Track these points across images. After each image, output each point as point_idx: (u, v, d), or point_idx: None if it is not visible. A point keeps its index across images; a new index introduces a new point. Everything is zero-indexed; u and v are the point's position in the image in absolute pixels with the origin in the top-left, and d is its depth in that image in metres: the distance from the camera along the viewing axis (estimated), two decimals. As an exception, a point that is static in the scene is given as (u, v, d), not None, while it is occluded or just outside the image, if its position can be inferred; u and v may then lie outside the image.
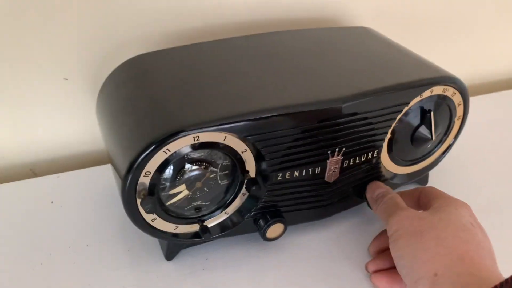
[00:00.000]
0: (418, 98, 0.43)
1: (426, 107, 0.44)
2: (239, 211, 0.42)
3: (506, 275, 0.30)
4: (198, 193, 0.39)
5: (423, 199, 0.41)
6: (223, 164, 0.39)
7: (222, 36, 0.50)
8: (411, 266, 0.35)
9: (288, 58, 0.45)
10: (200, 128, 0.35)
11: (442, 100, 0.45)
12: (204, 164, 0.38)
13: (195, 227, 0.41)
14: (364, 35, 0.52)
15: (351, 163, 0.43)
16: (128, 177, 0.35)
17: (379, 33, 0.53)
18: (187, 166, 0.37)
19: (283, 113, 0.37)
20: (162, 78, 0.42)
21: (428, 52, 0.51)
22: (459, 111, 0.47)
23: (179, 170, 0.37)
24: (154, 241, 0.45)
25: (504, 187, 0.53)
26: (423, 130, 0.45)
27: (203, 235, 0.40)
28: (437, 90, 0.44)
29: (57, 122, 0.55)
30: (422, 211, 0.39)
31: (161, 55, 0.45)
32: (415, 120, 0.45)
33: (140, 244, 0.44)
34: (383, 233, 0.43)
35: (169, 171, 0.37)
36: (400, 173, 0.49)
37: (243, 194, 0.41)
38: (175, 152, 0.36)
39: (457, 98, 0.46)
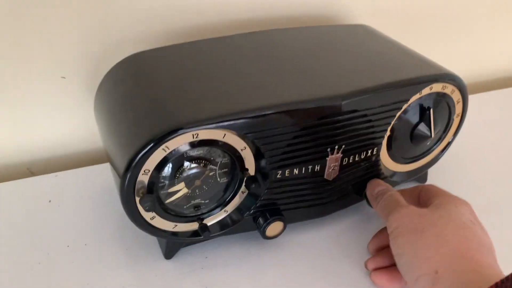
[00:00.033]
0: (417, 96, 0.43)
1: (425, 105, 0.44)
2: (238, 209, 0.41)
3: (506, 273, 0.30)
4: (197, 191, 0.39)
5: (423, 196, 0.41)
6: (222, 162, 0.39)
7: (221, 33, 0.49)
8: (412, 264, 0.35)
9: (287, 55, 0.45)
10: (199, 126, 0.35)
11: (441, 97, 0.45)
12: (203, 162, 0.38)
13: (194, 226, 0.40)
14: (363, 32, 0.52)
15: (350, 161, 0.43)
16: (127, 175, 0.34)
17: (378, 31, 0.53)
18: (186, 164, 0.37)
19: (282, 111, 0.37)
20: (161, 75, 0.42)
21: (427, 50, 0.51)
22: (458, 108, 0.47)
23: (178, 168, 0.37)
24: (152, 240, 0.44)
25: (503, 185, 0.53)
26: (422, 127, 0.45)
27: (202, 234, 0.40)
28: (436, 87, 0.44)
29: (54, 121, 0.54)
30: (422, 208, 0.39)
31: (160, 53, 0.45)
32: (414, 117, 0.45)
33: (138, 243, 0.44)
34: (383, 230, 0.43)
35: (168, 169, 0.37)
36: (400, 170, 0.49)
37: (243, 192, 0.41)
38: (174, 149, 0.35)
39: (456, 96, 0.46)
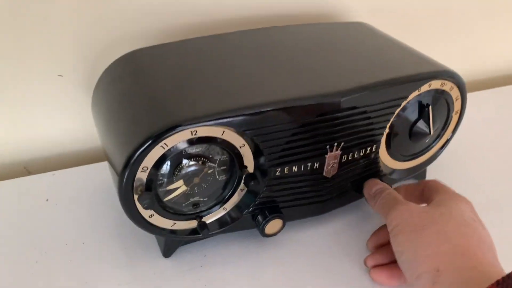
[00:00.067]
0: (416, 92, 0.43)
1: (424, 102, 0.44)
2: (237, 207, 0.41)
3: (507, 271, 0.30)
4: (196, 188, 0.39)
5: (427, 192, 0.41)
6: (221, 159, 0.39)
7: (219, 31, 0.49)
8: (413, 261, 0.35)
9: (286, 53, 0.45)
10: (198, 123, 0.34)
11: (440, 94, 0.45)
12: (201, 159, 0.37)
13: (193, 224, 0.40)
14: (361, 30, 0.52)
15: (349, 158, 0.43)
16: (125, 172, 0.34)
17: (376, 28, 0.53)
18: (185, 161, 0.37)
19: (281, 107, 0.37)
20: (159, 73, 0.41)
21: (425, 49, 0.51)
22: (457, 105, 0.47)
23: (176, 166, 0.37)
24: (151, 239, 0.44)
25: (502, 182, 0.53)
26: (421, 124, 0.45)
27: (201, 232, 0.39)
28: (435, 84, 0.44)
29: (51, 119, 0.54)
30: (422, 205, 0.39)
31: (157, 50, 0.45)
32: (413, 114, 0.45)
33: (137, 241, 0.44)
34: (382, 228, 0.43)
35: (166, 167, 0.36)
36: (399, 168, 0.48)
37: (241, 190, 0.41)
38: (172, 147, 0.35)
39: (455, 93, 0.46)
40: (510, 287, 0.28)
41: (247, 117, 0.36)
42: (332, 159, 0.42)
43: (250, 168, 0.39)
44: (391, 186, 0.45)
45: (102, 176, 0.50)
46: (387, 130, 0.44)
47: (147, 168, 0.35)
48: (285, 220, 0.42)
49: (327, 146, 0.41)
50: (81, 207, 0.48)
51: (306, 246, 0.44)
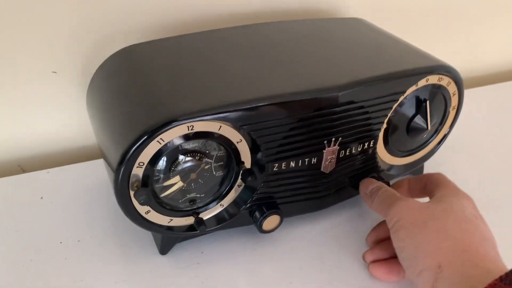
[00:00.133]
0: (413, 87, 0.43)
1: (422, 97, 0.44)
2: (234, 203, 0.41)
3: (509, 267, 0.30)
4: (192, 184, 0.38)
5: (429, 186, 0.41)
6: (218, 155, 0.38)
7: (215, 27, 0.49)
8: (414, 258, 0.34)
9: (283, 48, 0.45)
10: (195, 117, 0.34)
11: (437, 89, 0.45)
12: (198, 155, 0.37)
13: (190, 220, 0.40)
14: (358, 25, 0.52)
15: (347, 153, 0.43)
16: (121, 168, 0.34)
17: (373, 24, 0.53)
18: (181, 157, 0.37)
19: (279, 102, 0.36)
20: (154, 68, 0.41)
21: (422, 45, 0.50)
22: (454, 100, 0.47)
23: (173, 161, 0.36)
24: (147, 236, 0.44)
25: (499, 178, 0.53)
26: (418, 120, 0.45)
27: (198, 228, 0.39)
28: (433, 79, 0.44)
29: (45, 117, 0.54)
30: (423, 201, 0.39)
31: (152, 46, 0.45)
32: (410, 110, 0.45)
33: (133, 238, 0.44)
34: (382, 223, 0.43)
35: (163, 162, 0.36)
36: (396, 164, 0.48)
37: (239, 186, 0.40)
38: (169, 142, 0.35)
39: (452, 88, 0.46)
40: None
41: (244, 111, 0.35)
42: (329, 154, 0.42)
43: (247, 164, 0.39)
44: (389, 182, 0.45)
45: (97, 173, 0.50)
46: (384, 125, 0.44)
47: (143, 163, 0.35)
48: (282, 216, 0.42)
49: (325, 141, 0.41)
50: (76, 204, 0.48)
51: (304, 242, 0.44)
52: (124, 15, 0.50)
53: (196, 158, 0.37)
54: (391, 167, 0.48)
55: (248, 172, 0.38)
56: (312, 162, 0.41)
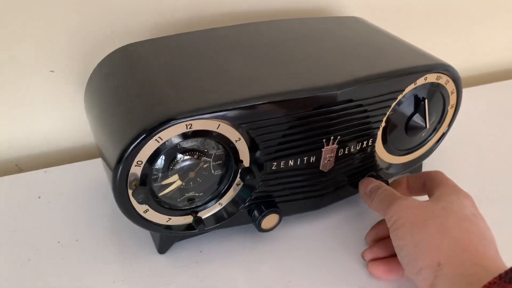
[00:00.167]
0: (412, 86, 0.43)
1: (420, 95, 0.44)
2: (233, 202, 0.41)
3: (509, 265, 0.30)
4: (191, 183, 0.38)
5: (429, 184, 0.41)
6: (216, 153, 0.38)
7: (213, 25, 0.49)
8: (413, 256, 0.34)
9: (281, 46, 0.45)
10: (193, 116, 0.34)
11: (435, 88, 0.45)
12: (197, 153, 0.37)
13: (188, 219, 0.40)
14: (356, 24, 0.52)
15: (346, 152, 0.43)
16: (119, 167, 0.34)
17: (370, 23, 0.53)
18: (180, 155, 0.36)
19: (277, 100, 0.36)
20: (153, 67, 0.41)
21: (420, 44, 0.51)
22: (453, 99, 0.47)
23: (171, 160, 0.36)
24: (145, 235, 0.44)
25: (498, 177, 0.53)
26: (417, 118, 0.45)
27: (197, 227, 0.39)
28: (431, 77, 0.44)
29: (43, 116, 0.53)
30: (422, 199, 0.38)
31: (151, 44, 0.44)
32: (409, 108, 0.45)
33: (131, 238, 0.43)
34: (381, 222, 0.43)
35: (161, 161, 0.36)
36: (395, 162, 0.48)
37: (237, 185, 0.40)
38: (167, 140, 0.35)
39: (450, 86, 0.46)
40: None
41: (242, 110, 0.35)
42: (328, 153, 0.41)
43: (246, 163, 0.39)
44: (387, 181, 0.45)
45: (95, 173, 0.50)
46: (383, 124, 0.44)
47: (142, 162, 0.35)
48: (281, 215, 0.42)
49: (324, 140, 0.40)
50: (74, 204, 0.47)
51: (303, 241, 0.44)
52: (122, 14, 0.50)
53: (195, 156, 0.37)
54: (390, 165, 0.48)
55: (246, 171, 0.38)
56: (311, 161, 0.41)
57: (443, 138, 0.49)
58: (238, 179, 0.40)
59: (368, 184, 0.43)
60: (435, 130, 0.48)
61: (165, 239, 0.41)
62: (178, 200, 0.39)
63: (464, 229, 0.34)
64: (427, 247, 0.34)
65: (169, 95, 0.37)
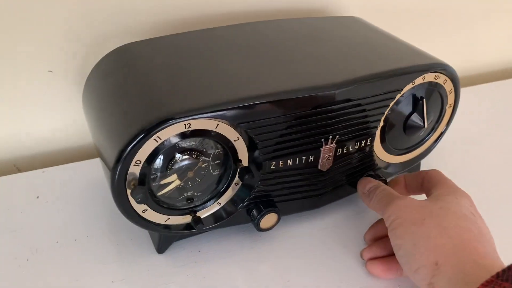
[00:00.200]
0: (410, 85, 0.43)
1: (418, 95, 0.44)
2: (232, 201, 0.41)
3: (506, 264, 0.30)
4: (190, 183, 0.38)
5: (427, 183, 0.41)
6: (215, 153, 0.38)
7: (211, 25, 0.49)
8: (411, 255, 0.34)
9: (280, 46, 0.45)
10: (192, 115, 0.34)
11: (433, 87, 0.45)
12: (195, 153, 0.37)
13: (187, 218, 0.40)
14: (354, 23, 0.52)
15: (344, 151, 0.43)
16: (118, 166, 0.34)
17: (369, 22, 0.53)
18: (178, 155, 0.36)
19: (276, 100, 0.36)
20: (151, 66, 0.41)
21: (418, 44, 0.51)
22: (451, 98, 0.47)
23: (170, 159, 0.36)
24: (144, 235, 0.44)
25: (496, 177, 0.53)
26: (415, 118, 0.45)
27: (195, 226, 0.39)
28: (429, 77, 0.44)
29: (41, 116, 0.53)
30: (420, 199, 0.39)
31: (149, 44, 0.44)
32: (407, 107, 0.45)
33: (129, 238, 0.43)
34: (380, 221, 0.43)
35: (159, 161, 0.36)
36: (393, 162, 0.48)
37: (236, 184, 0.40)
38: (166, 140, 0.35)
39: (448, 86, 0.46)
40: (510, 279, 0.28)
41: (241, 109, 0.35)
42: (327, 152, 0.42)
43: (245, 162, 0.39)
44: (386, 180, 0.46)
45: (93, 173, 0.50)
46: (381, 123, 0.44)
47: (140, 162, 0.35)
48: (280, 214, 0.42)
49: (322, 139, 0.41)
50: (72, 204, 0.47)
51: (302, 240, 0.44)
52: (120, 14, 0.50)
53: (193, 156, 0.37)
54: (388, 165, 0.48)
55: (245, 170, 0.38)
56: (309, 160, 0.41)
57: (441, 138, 0.50)
58: (236, 179, 0.40)
59: (367, 183, 0.43)
60: (433, 129, 0.48)
61: (164, 239, 0.41)
62: (177, 199, 0.39)
63: (462, 227, 0.35)
64: (425, 246, 0.34)
65: (167, 94, 0.37)
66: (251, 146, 0.38)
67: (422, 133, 0.48)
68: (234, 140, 0.38)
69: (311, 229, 0.45)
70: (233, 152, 0.38)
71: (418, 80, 0.43)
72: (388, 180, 0.46)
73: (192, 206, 0.40)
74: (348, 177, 0.45)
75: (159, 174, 0.37)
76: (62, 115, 0.54)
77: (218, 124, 0.36)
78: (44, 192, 0.49)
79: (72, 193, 0.49)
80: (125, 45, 0.44)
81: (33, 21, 0.47)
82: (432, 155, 0.50)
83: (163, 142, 0.35)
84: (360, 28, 0.51)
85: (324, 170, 0.43)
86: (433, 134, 0.49)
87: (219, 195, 0.40)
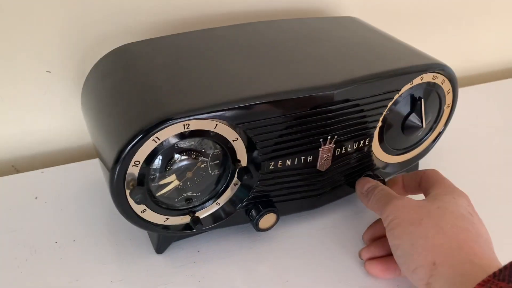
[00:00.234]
0: (408, 85, 0.43)
1: (416, 95, 0.44)
2: (231, 202, 0.41)
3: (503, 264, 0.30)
4: (188, 183, 0.38)
5: (424, 183, 0.41)
6: (214, 153, 0.38)
7: (210, 25, 0.49)
8: (409, 255, 0.35)
9: (278, 46, 0.45)
10: (191, 116, 0.34)
11: (431, 87, 0.45)
12: (194, 153, 0.37)
13: (186, 219, 0.40)
14: (352, 24, 0.52)
15: (343, 152, 0.43)
16: (117, 167, 0.34)
17: (367, 23, 0.53)
18: (177, 155, 0.36)
19: (275, 100, 0.36)
20: (150, 67, 0.41)
21: (417, 44, 0.51)
22: (449, 99, 0.47)
23: (169, 160, 0.36)
24: (143, 235, 0.44)
25: (494, 177, 0.53)
26: (413, 118, 0.45)
27: (194, 227, 0.39)
28: (427, 77, 0.44)
29: (40, 117, 0.53)
30: (418, 199, 0.39)
31: (147, 44, 0.44)
32: (405, 108, 0.45)
33: (128, 238, 0.43)
34: (378, 221, 0.43)
35: (158, 161, 0.36)
36: (392, 162, 0.49)
37: (235, 184, 0.40)
38: (164, 140, 0.35)
39: (446, 86, 0.46)
40: (506, 279, 0.28)
41: (240, 110, 0.35)
42: (325, 152, 0.42)
43: (243, 162, 0.39)
44: (384, 180, 0.46)
45: (92, 173, 0.50)
46: (380, 124, 0.44)
47: (139, 162, 0.35)
48: (279, 215, 0.42)
49: (321, 140, 0.41)
50: (71, 204, 0.47)
51: (300, 240, 0.44)
52: (120, 14, 0.50)
53: (192, 156, 0.37)
54: (387, 165, 0.48)
55: (244, 171, 0.38)
56: (308, 160, 0.41)
57: (439, 138, 0.50)
58: (235, 179, 0.40)
59: (365, 183, 0.43)
60: (431, 129, 0.49)
61: (163, 239, 0.42)
62: (176, 200, 0.39)
63: (460, 227, 0.35)
64: (422, 246, 0.34)
65: (166, 95, 0.37)
66: (250, 147, 0.39)
67: (420, 133, 0.48)
68: (233, 141, 0.38)
69: (310, 229, 0.45)
70: (232, 152, 0.38)
71: (416, 80, 0.43)
72: (386, 180, 0.46)
73: (191, 206, 0.40)
74: (347, 177, 0.45)
75: (158, 174, 0.37)
76: (61, 115, 0.54)
77: (217, 125, 0.36)
78: (43, 193, 0.49)
79: (71, 194, 0.49)
80: (124, 45, 0.44)
81: (33, 21, 0.47)
82: (430, 155, 0.51)
83: (162, 143, 0.35)
84: (359, 28, 0.51)
85: (323, 170, 0.43)
86: (431, 134, 0.49)
87: (218, 195, 0.40)
